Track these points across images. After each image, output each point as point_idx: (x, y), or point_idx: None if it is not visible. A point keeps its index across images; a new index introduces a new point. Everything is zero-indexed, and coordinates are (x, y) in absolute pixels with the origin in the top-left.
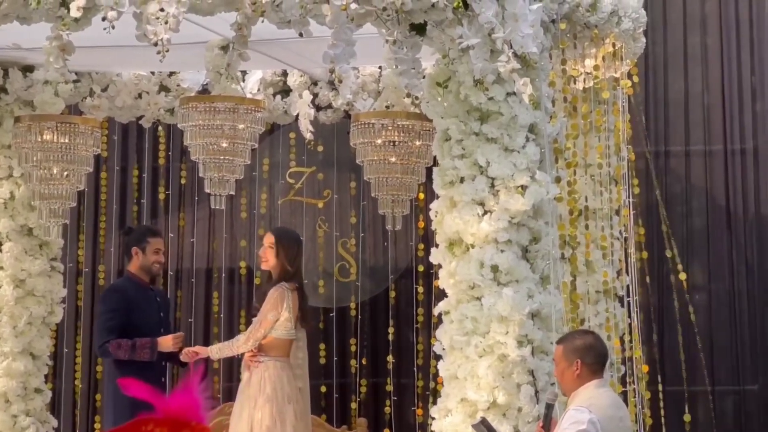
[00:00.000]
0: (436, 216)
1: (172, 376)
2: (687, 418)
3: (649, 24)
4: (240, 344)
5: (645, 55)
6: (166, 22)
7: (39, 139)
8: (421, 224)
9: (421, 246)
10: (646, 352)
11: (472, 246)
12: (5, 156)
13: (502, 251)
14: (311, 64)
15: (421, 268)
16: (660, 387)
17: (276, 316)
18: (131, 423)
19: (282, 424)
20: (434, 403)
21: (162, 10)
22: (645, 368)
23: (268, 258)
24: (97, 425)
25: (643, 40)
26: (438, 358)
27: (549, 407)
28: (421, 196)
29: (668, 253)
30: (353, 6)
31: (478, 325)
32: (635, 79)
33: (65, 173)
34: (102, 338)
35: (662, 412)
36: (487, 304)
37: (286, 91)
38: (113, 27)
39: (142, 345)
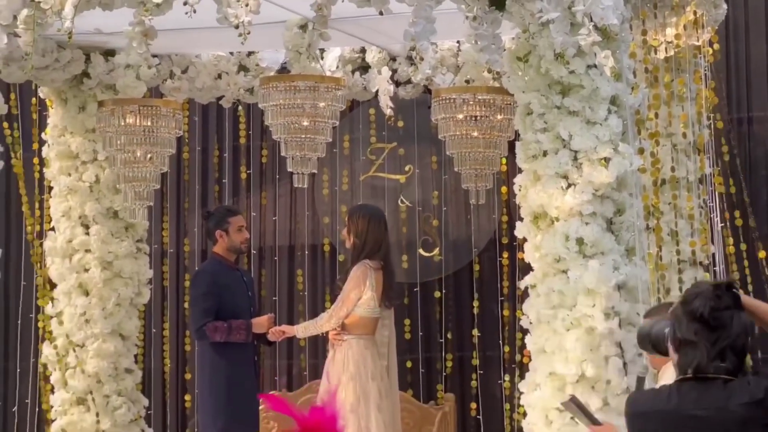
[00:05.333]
0: (520, 190)
1: (259, 354)
2: None
3: None
4: (323, 322)
5: (726, 20)
6: (247, 5)
7: (122, 123)
8: (504, 196)
9: (504, 218)
10: None
11: (557, 219)
12: (89, 140)
13: (586, 224)
14: (389, 41)
15: (504, 240)
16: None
17: (358, 294)
18: None
19: (366, 401)
20: (520, 375)
21: None
22: None
23: (345, 236)
24: (187, 404)
25: (724, 6)
26: (523, 331)
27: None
28: (504, 168)
29: (752, 223)
30: None
31: (564, 299)
32: (716, 46)
33: (149, 156)
34: (199, 322)
35: None
36: (573, 277)
37: (364, 68)
38: (194, 11)
39: (238, 327)
